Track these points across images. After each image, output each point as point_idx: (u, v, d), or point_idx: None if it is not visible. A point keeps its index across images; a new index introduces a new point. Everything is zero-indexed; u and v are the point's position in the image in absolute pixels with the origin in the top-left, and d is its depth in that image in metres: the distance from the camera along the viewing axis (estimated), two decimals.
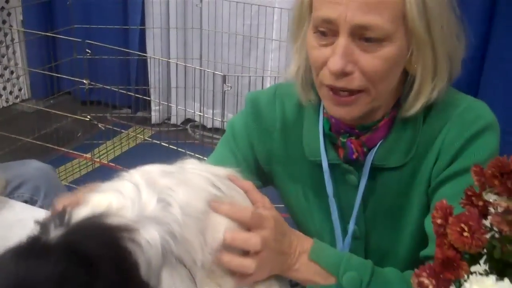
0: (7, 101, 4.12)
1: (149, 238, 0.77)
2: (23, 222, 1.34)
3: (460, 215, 0.64)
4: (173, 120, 3.89)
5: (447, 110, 1.08)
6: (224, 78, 2.49)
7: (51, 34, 3.52)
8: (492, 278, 0.59)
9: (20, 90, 4.19)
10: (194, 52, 3.72)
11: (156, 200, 0.82)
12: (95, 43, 3.03)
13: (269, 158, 1.23)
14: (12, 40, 3.99)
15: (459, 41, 1.05)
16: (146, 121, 3.86)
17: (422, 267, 0.66)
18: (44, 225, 0.76)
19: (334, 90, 1.02)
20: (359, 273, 0.98)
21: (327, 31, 1.00)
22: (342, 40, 0.97)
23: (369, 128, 1.09)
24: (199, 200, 0.88)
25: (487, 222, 0.66)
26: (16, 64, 4.09)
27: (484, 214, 0.66)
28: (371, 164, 1.10)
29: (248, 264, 0.92)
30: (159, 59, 3.42)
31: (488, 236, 0.64)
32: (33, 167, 1.71)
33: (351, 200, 1.14)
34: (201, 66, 3.52)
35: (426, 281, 0.65)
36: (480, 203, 0.66)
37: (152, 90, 3.81)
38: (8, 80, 4.11)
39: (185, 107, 3.39)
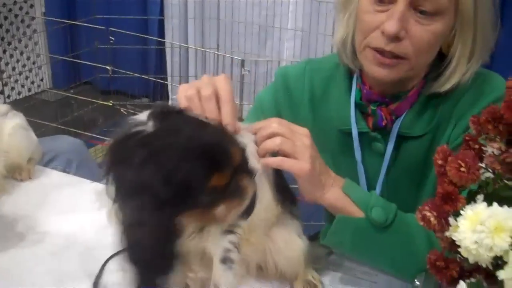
0: (29, 90, 4.25)
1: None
2: (58, 188, 1.47)
3: (458, 154, 0.73)
4: None
5: (466, 82, 1.16)
6: (242, 63, 2.59)
7: (73, 22, 3.63)
8: (484, 204, 0.68)
9: (42, 80, 4.32)
10: (212, 41, 3.82)
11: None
12: (119, 30, 3.13)
13: None
14: (35, 30, 4.12)
15: (494, 30, 1.13)
16: None
17: (425, 203, 0.76)
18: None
19: (381, 52, 1.10)
20: (385, 211, 1.06)
21: None
22: (400, 6, 1.06)
23: (398, 97, 1.18)
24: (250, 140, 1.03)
25: (483, 165, 0.75)
26: (38, 55, 4.22)
27: (480, 156, 0.76)
28: (398, 132, 1.18)
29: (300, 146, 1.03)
30: (178, 45, 3.53)
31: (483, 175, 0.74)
32: (65, 141, 1.82)
33: (377, 167, 1.23)
34: (217, 56, 3.62)
35: (428, 213, 0.74)
36: (476, 146, 0.75)
37: (170, 79, 3.91)
38: (31, 70, 4.24)
39: None
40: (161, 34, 3.94)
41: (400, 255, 1.05)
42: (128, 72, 3.20)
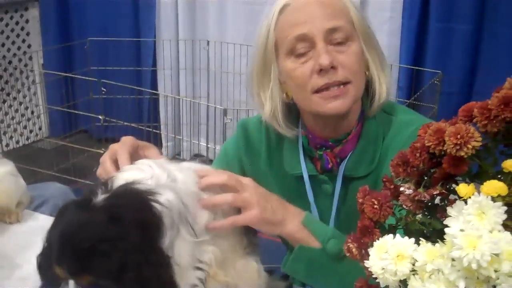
0: (27, 139, 4.39)
1: (169, 199, 1.02)
2: (45, 230, 1.57)
3: (373, 193, 0.85)
4: (182, 156, 4.12)
5: (402, 125, 1.30)
6: (224, 111, 2.73)
7: (69, 75, 3.79)
8: (391, 236, 0.79)
9: (40, 128, 4.46)
10: (202, 91, 3.98)
11: (166, 176, 1.07)
12: (110, 82, 3.29)
13: (256, 174, 1.44)
14: (33, 81, 4.28)
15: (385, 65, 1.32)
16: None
17: (349, 236, 0.88)
18: (94, 190, 1.01)
19: (325, 89, 1.23)
20: (341, 242, 1.15)
21: (304, 47, 1.23)
22: (321, 44, 1.22)
23: (340, 141, 1.31)
24: (193, 183, 1.12)
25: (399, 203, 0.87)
26: (36, 105, 4.37)
27: (397, 195, 0.87)
28: (344, 174, 1.31)
29: (247, 196, 1.14)
30: (170, 96, 3.67)
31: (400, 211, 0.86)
32: (53, 188, 1.94)
33: (328, 207, 1.35)
34: (207, 106, 3.77)
35: (351, 245, 0.86)
36: (392, 187, 0.87)
37: (163, 127, 4.05)
38: (29, 119, 4.38)
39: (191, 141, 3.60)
40: (154, 83, 4.10)
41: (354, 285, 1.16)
42: (119, 122, 3.34)
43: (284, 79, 1.30)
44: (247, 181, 1.17)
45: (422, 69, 3.17)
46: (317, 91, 1.24)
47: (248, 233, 1.20)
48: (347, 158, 1.30)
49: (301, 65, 1.24)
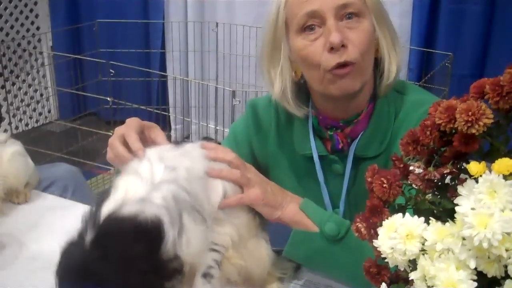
0: (37, 122, 4.39)
1: (161, 198, 1.01)
2: (53, 210, 1.59)
3: (382, 172, 0.84)
4: (191, 138, 4.11)
5: (413, 106, 1.29)
6: (233, 93, 2.71)
7: (78, 56, 3.78)
8: (400, 215, 0.78)
9: (49, 111, 4.46)
10: (211, 73, 3.96)
11: (164, 168, 1.06)
12: (119, 64, 3.27)
13: (266, 154, 1.44)
14: (42, 64, 4.28)
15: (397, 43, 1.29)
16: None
17: (357, 215, 0.86)
18: (84, 225, 1.00)
19: (336, 68, 1.21)
20: (338, 225, 1.17)
21: (315, 24, 1.21)
22: (330, 21, 1.20)
23: (351, 121, 1.30)
24: (199, 166, 1.12)
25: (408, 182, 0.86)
26: (46, 87, 4.37)
27: (407, 174, 0.86)
28: (354, 154, 1.30)
29: (251, 176, 1.17)
30: (178, 78, 3.65)
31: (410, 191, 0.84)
32: (62, 169, 1.94)
33: (338, 187, 1.34)
34: (216, 88, 3.75)
35: (359, 225, 0.85)
36: (401, 166, 0.86)
37: (171, 110, 4.04)
38: (38, 102, 4.39)
39: (200, 124, 3.59)
40: (163, 66, 4.08)
41: (353, 267, 1.14)
42: (127, 103, 3.33)
43: (294, 58, 1.29)
44: (249, 165, 1.21)
45: (433, 51, 3.13)
46: (329, 69, 1.22)
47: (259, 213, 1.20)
48: (358, 138, 1.29)
49: (311, 42, 1.22)
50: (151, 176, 1.05)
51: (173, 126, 4.09)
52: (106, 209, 0.99)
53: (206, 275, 1.10)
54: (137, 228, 0.97)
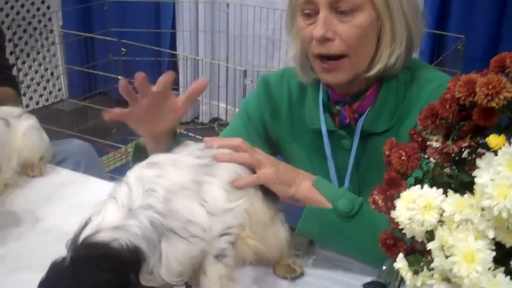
0: (47, 100, 4.41)
1: (138, 225, 0.99)
2: (66, 184, 1.60)
3: (400, 145, 0.84)
4: (201, 119, 4.13)
5: (424, 82, 1.29)
6: (245, 73, 2.72)
7: (89, 35, 3.78)
8: (419, 186, 0.79)
9: (59, 90, 4.48)
10: (221, 54, 3.96)
11: (142, 191, 1.04)
12: (130, 42, 3.27)
13: (277, 128, 1.44)
14: (53, 43, 4.28)
15: (416, 17, 1.27)
16: None
17: (375, 188, 0.87)
18: (68, 246, 1.00)
19: (322, 59, 1.25)
20: (351, 202, 1.18)
21: (311, 11, 1.24)
22: (322, 13, 1.22)
23: (358, 97, 1.30)
24: (185, 175, 1.08)
25: (426, 155, 0.86)
26: (56, 66, 4.38)
27: (424, 149, 0.87)
28: (362, 130, 1.31)
29: (261, 158, 1.18)
30: (189, 57, 3.65)
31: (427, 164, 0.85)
32: (75, 144, 1.95)
33: (345, 162, 1.35)
34: (227, 67, 3.75)
35: (377, 197, 0.86)
36: (419, 139, 0.86)
37: (181, 90, 4.05)
38: (48, 80, 4.40)
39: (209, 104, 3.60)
40: (173, 46, 4.08)
41: (365, 243, 1.15)
42: None
43: None
44: (257, 148, 1.22)
45: (446, 33, 3.12)
46: (318, 56, 1.25)
47: (272, 198, 1.20)
48: (365, 113, 1.30)
49: (307, 26, 1.26)
50: (128, 202, 1.03)
51: None
52: (85, 233, 0.99)
53: (218, 256, 1.10)
54: (107, 255, 0.96)
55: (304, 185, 1.21)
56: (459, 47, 2.99)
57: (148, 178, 1.06)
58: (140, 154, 1.27)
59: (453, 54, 3.02)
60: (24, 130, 1.60)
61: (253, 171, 1.17)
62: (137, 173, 1.08)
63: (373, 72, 1.26)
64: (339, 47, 1.23)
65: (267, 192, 1.19)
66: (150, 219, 1.00)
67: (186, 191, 1.07)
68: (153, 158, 1.13)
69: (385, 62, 1.25)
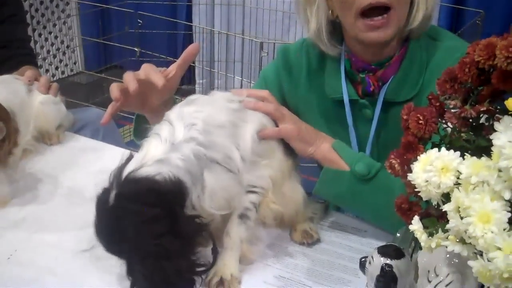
0: (63, 73, 4.43)
1: (181, 158, 1.02)
2: (85, 151, 1.63)
3: (418, 108, 0.85)
4: None
5: (448, 51, 1.28)
6: (261, 45, 2.72)
7: (106, 6, 3.78)
8: (436, 149, 0.79)
9: (75, 63, 4.50)
10: (237, 27, 3.94)
11: (184, 126, 1.06)
12: (147, 14, 3.27)
13: (296, 99, 1.45)
14: (68, 15, 4.29)
15: None
16: (190, 94, 4.10)
17: (392, 152, 0.88)
18: (110, 181, 1.02)
19: (369, 15, 1.22)
20: (368, 166, 1.20)
21: None
22: None
23: (382, 64, 1.30)
24: (223, 115, 1.12)
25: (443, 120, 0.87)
26: (71, 38, 4.39)
27: (442, 113, 0.87)
28: (384, 99, 1.31)
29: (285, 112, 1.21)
30: (205, 28, 3.65)
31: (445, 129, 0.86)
32: (93, 112, 1.97)
33: (367, 131, 1.36)
34: (243, 40, 3.74)
35: (393, 161, 0.86)
36: (437, 104, 0.87)
37: (197, 63, 4.05)
38: (64, 53, 4.41)
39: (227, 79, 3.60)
40: (189, 19, 4.08)
41: (381, 207, 1.16)
42: (155, 54, 3.35)
43: None
44: (282, 106, 1.24)
45: (464, 8, 3.09)
46: (362, 14, 1.22)
47: (291, 153, 1.23)
48: (388, 82, 1.30)
49: None
50: (170, 137, 1.05)
51: (198, 81, 4.10)
52: (128, 168, 1.01)
53: (242, 216, 1.12)
54: (152, 189, 0.97)
55: (323, 146, 1.24)
56: (477, 22, 2.96)
57: (189, 114, 1.09)
58: (141, 125, 1.32)
59: (472, 29, 2.99)
60: (41, 99, 1.62)
61: (277, 125, 1.20)
62: (177, 111, 1.11)
63: (412, 26, 1.26)
64: None
65: (287, 149, 1.22)
66: (193, 151, 1.03)
67: (224, 129, 1.10)
68: (192, 96, 1.16)
69: (419, 19, 1.25)
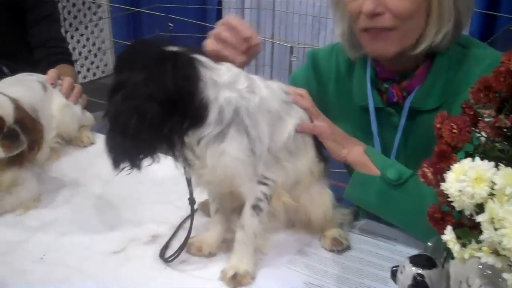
0: (94, 75, 4.49)
1: (227, 96, 1.06)
2: None
3: (451, 118, 0.84)
4: None
5: (477, 59, 1.27)
6: (291, 49, 2.72)
7: (137, 9, 3.82)
8: (470, 159, 0.78)
9: (105, 65, 4.55)
10: (267, 31, 3.95)
11: (247, 85, 1.10)
12: (178, 17, 3.30)
13: (324, 104, 1.44)
14: (100, 18, 4.34)
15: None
16: None
17: (425, 161, 0.87)
18: None
19: (368, 30, 1.23)
20: (399, 172, 1.20)
21: None
22: None
23: (407, 75, 1.29)
24: (274, 102, 1.15)
25: (477, 130, 0.86)
26: (103, 41, 4.44)
27: (476, 122, 0.86)
28: (410, 107, 1.30)
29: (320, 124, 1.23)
30: None
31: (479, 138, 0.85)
32: None
33: (391, 140, 1.35)
34: (272, 45, 3.75)
35: (426, 170, 0.86)
36: (471, 113, 0.86)
37: None
38: (96, 55, 4.47)
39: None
40: None
41: (411, 213, 1.16)
42: None
43: None
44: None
45: (497, 14, 3.04)
46: (365, 30, 1.24)
47: (323, 158, 1.24)
48: (414, 92, 1.29)
49: (354, 0, 1.24)
50: (234, 79, 1.09)
51: None
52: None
53: (255, 207, 1.14)
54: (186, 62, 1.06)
55: (356, 150, 1.25)
56: (510, 28, 2.92)
57: (255, 82, 1.13)
58: None
59: (505, 35, 2.95)
60: (57, 106, 1.64)
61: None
62: (249, 75, 1.15)
63: (419, 49, 1.24)
64: (388, 21, 1.21)
65: (320, 154, 1.24)
66: (238, 106, 1.07)
67: (270, 115, 1.13)
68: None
69: (431, 40, 1.23)
